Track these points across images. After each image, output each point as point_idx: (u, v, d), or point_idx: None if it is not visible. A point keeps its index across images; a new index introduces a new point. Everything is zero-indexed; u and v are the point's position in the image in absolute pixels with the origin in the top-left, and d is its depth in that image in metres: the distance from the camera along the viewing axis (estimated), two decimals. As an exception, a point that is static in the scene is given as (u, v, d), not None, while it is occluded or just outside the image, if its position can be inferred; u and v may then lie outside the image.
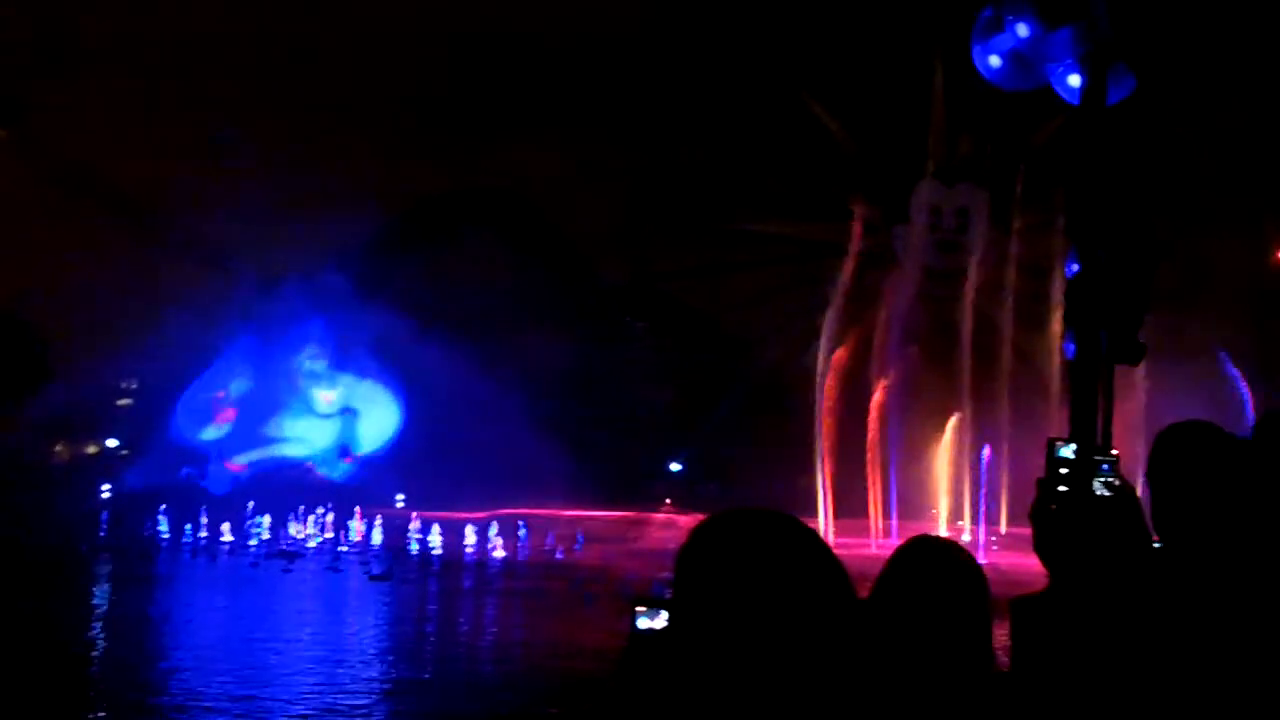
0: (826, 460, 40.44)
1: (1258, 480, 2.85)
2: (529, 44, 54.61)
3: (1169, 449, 3.67)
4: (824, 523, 38.78)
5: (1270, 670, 2.73)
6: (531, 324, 44.34)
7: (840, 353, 40.32)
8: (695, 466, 50.40)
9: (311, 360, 47.78)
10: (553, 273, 51.37)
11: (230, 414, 48.18)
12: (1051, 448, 4.38)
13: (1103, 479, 4.79)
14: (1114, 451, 5.66)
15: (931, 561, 3.09)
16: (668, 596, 2.26)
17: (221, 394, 48.54)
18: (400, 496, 42.47)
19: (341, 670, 14.18)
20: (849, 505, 39.21)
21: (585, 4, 54.58)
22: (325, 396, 47.99)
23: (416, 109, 48.92)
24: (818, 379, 40.12)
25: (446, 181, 49.55)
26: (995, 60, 9.00)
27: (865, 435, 39.61)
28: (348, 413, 47.87)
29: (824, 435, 40.17)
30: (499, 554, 33.81)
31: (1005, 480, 37.95)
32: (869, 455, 38.88)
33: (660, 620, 2.29)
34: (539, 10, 54.13)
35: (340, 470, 46.05)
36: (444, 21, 53.81)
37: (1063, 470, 4.30)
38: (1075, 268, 12.14)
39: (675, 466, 51.44)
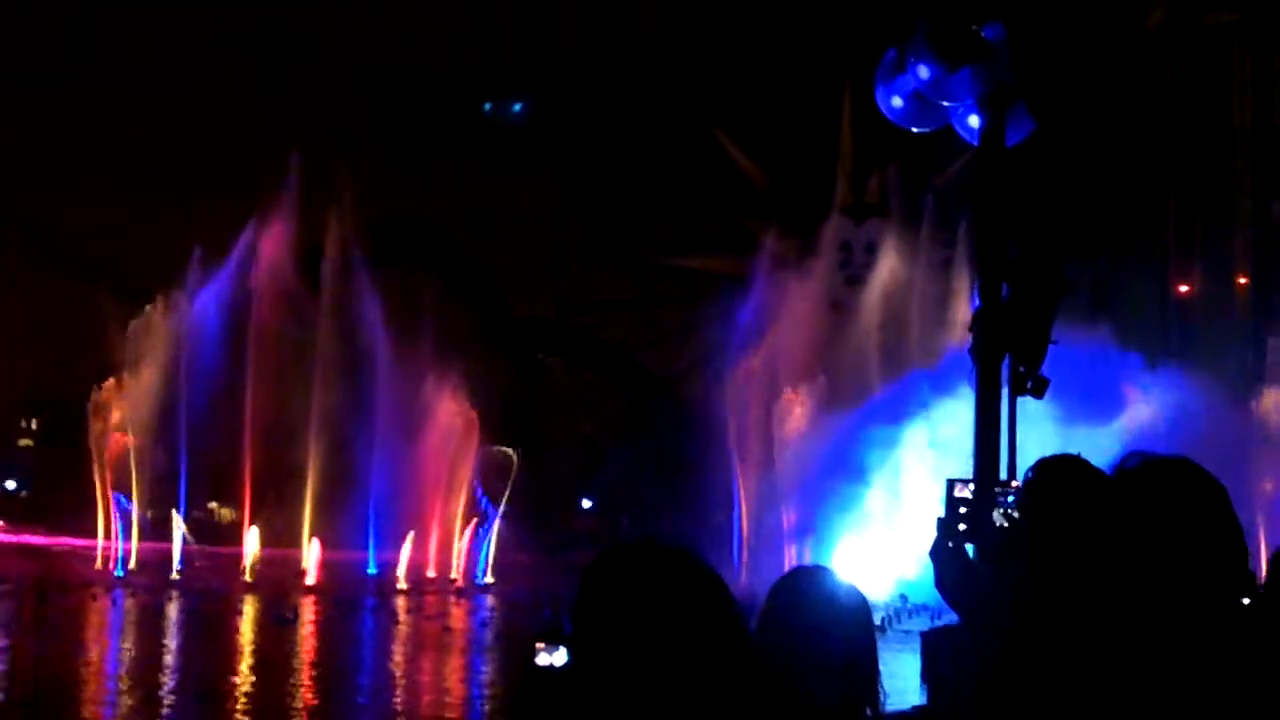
0: (741, 493, 40.65)
1: (1121, 517, 2.94)
2: (454, 77, 54.80)
3: (1038, 483, 3.78)
4: (738, 556, 38.90)
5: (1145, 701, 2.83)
6: (447, 357, 44.02)
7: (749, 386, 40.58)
8: (609, 502, 50.32)
9: None
10: (470, 305, 51.17)
11: None
12: (950, 488, 4.47)
13: (1002, 510, 4.88)
14: (1015, 483, 5.76)
15: (810, 592, 3.15)
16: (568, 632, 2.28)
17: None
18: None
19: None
20: (762, 537, 39.30)
21: (505, 41, 55.00)
22: None
23: (339, 138, 48.65)
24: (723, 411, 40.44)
25: (369, 212, 49.17)
26: (898, 101, 9.18)
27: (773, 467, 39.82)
28: None
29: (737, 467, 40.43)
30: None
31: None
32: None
33: (560, 656, 2.31)
34: (462, 46, 54.33)
35: None
36: (366, 52, 53.86)
37: (961, 510, 4.39)
38: (979, 302, 12.37)
39: (586, 503, 51.33)
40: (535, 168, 53.09)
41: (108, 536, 40.75)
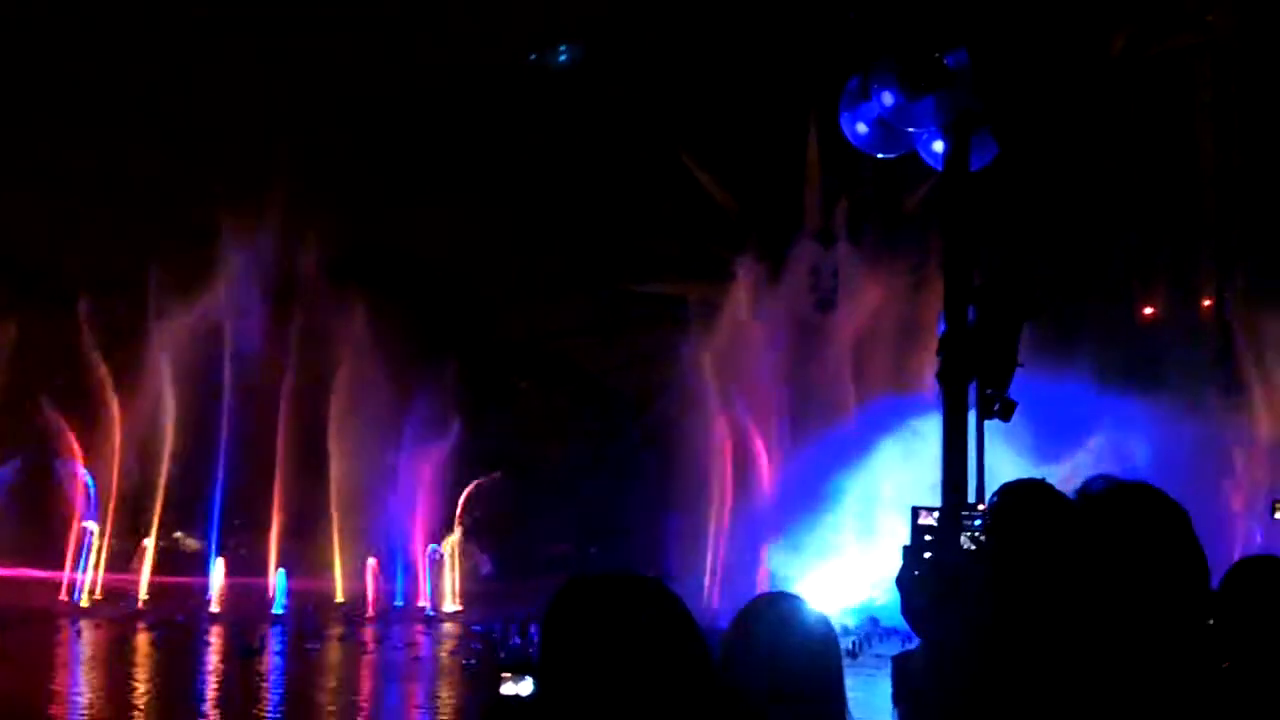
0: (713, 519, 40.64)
1: (1085, 541, 2.96)
2: (425, 105, 54.78)
3: (1003, 507, 3.80)
4: (709, 580, 38.81)
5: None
6: (418, 383, 43.90)
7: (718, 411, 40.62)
8: (580, 527, 50.17)
9: None
10: (442, 331, 51.06)
11: None
12: (914, 516, 4.49)
13: (969, 534, 4.89)
14: (981, 507, 5.77)
15: (774, 619, 3.15)
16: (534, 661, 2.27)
17: None
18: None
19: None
20: (733, 561, 39.26)
21: (474, 68, 55.08)
22: None
23: (309, 170, 48.50)
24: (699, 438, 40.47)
25: (340, 243, 49.14)
26: (862, 127, 9.24)
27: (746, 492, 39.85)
28: None
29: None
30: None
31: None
32: None
33: (525, 686, 2.30)
34: (430, 71, 54.34)
35: None
36: (335, 82, 53.74)
37: (926, 537, 4.41)
38: (945, 326, 12.39)
39: (557, 529, 51.09)
40: (511, 191, 53.12)
41: (73, 567, 40.39)
